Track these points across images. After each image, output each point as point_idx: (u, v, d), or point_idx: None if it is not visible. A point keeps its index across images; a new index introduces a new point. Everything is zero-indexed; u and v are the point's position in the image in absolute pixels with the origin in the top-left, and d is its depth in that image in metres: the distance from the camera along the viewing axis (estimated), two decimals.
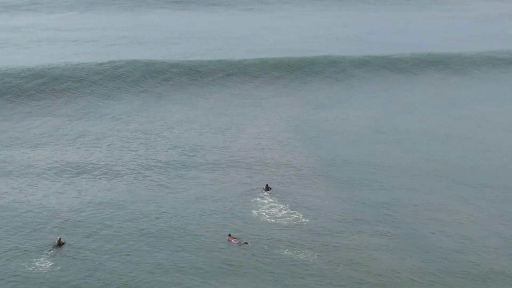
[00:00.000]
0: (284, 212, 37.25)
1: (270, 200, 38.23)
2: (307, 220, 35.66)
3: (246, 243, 32.93)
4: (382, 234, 34.40)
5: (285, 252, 31.70)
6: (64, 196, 37.80)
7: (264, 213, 36.70)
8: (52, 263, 30.13)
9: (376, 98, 63.60)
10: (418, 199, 39.22)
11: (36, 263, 30.11)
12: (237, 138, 49.43)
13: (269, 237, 33.48)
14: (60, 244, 32.23)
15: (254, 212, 37.04)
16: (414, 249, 32.68)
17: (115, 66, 66.07)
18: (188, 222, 34.85)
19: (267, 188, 40.39)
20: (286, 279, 29.43)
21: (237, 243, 32.94)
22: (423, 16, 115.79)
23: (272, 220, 35.69)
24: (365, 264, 30.87)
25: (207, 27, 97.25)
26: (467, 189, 40.93)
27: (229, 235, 33.79)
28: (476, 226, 35.79)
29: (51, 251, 31.33)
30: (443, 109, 59.10)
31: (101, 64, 65.97)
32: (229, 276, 29.59)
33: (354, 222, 35.71)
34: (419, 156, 46.42)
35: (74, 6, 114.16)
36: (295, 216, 36.38)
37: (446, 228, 35.21)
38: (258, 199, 38.43)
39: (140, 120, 53.49)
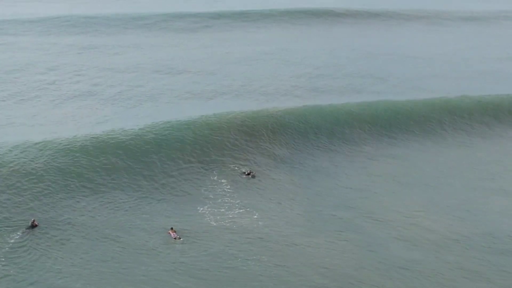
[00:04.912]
0: (240, 210, 37.93)
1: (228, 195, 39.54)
2: (263, 222, 36.52)
3: (179, 238, 34.10)
4: (342, 239, 35.30)
5: (238, 262, 32.23)
6: None
7: (215, 212, 37.32)
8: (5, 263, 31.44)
9: None
10: (381, 204, 40.58)
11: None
12: None
13: (220, 240, 34.37)
14: (33, 226, 34.77)
15: (200, 208, 37.85)
16: (372, 257, 33.74)
17: None
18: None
19: (248, 173, 42.66)
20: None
21: (174, 238, 34.11)
22: None
23: (225, 223, 36.30)
24: (322, 273, 31.68)
25: None
26: (433, 195, 42.77)
27: (171, 228, 35.14)
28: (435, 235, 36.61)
29: (23, 233, 34.08)
30: None
31: None
32: None
33: (313, 226, 36.69)
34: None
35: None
36: (254, 217, 37.19)
37: (407, 236, 36.14)
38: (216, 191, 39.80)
39: None
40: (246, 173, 43.17)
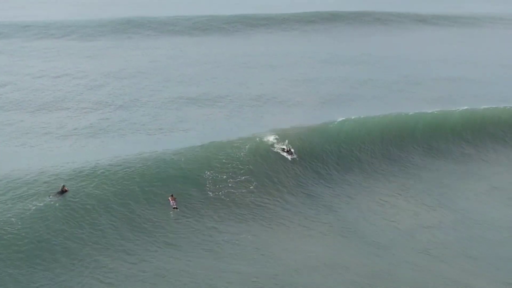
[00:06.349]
0: (241, 178, 38.85)
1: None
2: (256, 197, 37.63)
3: (176, 208, 34.87)
4: (325, 222, 36.20)
5: (220, 243, 32.90)
6: None
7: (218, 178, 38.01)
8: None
9: None
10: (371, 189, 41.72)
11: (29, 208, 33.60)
12: None
13: (210, 215, 35.37)
14: (63, 191, 35.19)
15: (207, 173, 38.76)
16: (353, 244, 34.34)
17: None
18: None
19: (288, 150, 41.42)
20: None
21: (173, 206, 34.83)
22: None
23: (221, 194, 37.26)
24: (306, 258, 32.45)
25: None
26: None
27: (172, 195, 35.59)
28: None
29: (51, 197, 34.66)
30: None
31: None
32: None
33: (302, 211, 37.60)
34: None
35: None
36: (251, 187, 38.28)
37: (392, 222, 36.99)
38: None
39: None
40: (285, 149, 41.92)
